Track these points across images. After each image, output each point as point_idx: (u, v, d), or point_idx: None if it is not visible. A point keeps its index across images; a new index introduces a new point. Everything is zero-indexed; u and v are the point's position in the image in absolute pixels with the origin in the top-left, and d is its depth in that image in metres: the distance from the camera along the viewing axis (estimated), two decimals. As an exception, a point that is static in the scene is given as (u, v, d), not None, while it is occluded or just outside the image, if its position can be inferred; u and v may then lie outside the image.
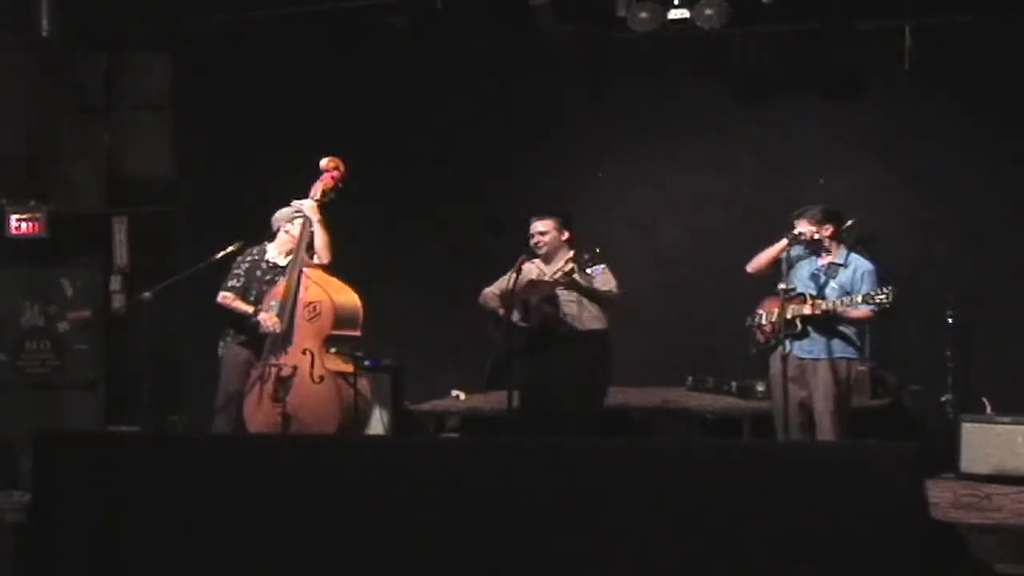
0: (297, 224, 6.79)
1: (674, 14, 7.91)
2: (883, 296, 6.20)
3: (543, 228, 6.73)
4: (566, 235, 6.76)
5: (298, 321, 6.57)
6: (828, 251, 6.52)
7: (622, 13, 7.98)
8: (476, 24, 8.51)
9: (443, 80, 8.84)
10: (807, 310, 6.34)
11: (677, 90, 8.69)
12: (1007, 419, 7.12)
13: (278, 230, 6.89)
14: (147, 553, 5.08)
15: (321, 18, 8.46)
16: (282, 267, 6.83)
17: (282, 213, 6.89)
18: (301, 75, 8.93)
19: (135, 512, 5.11)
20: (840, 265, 6.48)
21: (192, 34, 8.82)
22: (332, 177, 6.80)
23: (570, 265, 6.49)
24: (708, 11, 7.83)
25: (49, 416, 8.55)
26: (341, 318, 6.61)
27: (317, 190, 6.77)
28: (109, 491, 5.16)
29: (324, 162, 6.83)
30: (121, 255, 9.21)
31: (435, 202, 8.90)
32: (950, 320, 7.83)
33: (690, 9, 7.87)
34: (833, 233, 6.55)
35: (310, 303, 6.59)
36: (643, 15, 7.95)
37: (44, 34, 7.92)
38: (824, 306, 6.32)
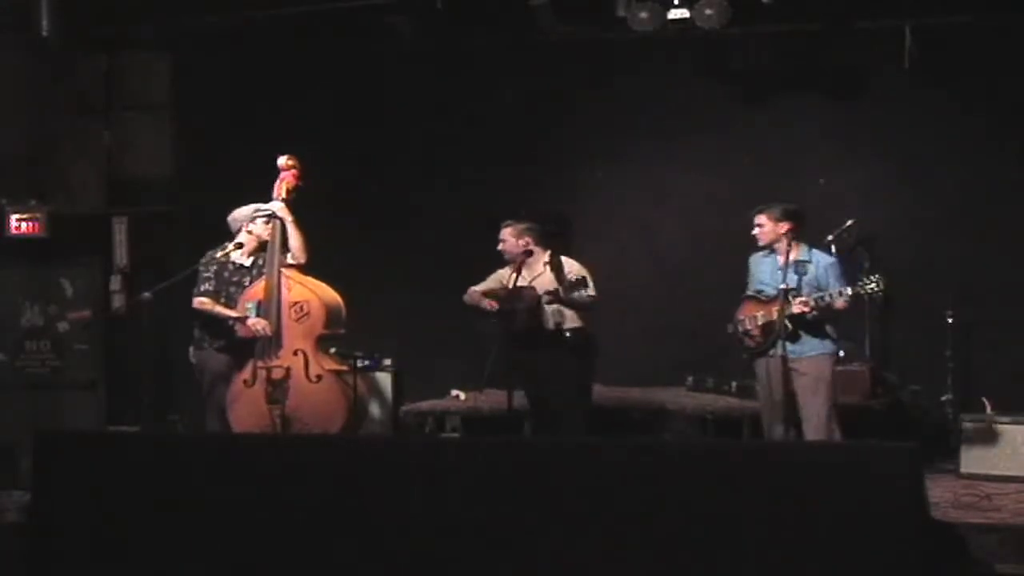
0: (259, 224, 6.80)
1: (674, 14, 7.90)
2: (872, 284, 6.24)
3: (502, 236, 6.94)
4: (524, 241, 6.85)
5: (284, 322, 6.57)
6: (784, 249, 6.53)
7: (622, 13, 7.97)
8: (476, 24, 8.51)
9: (443, 80, 8.84)
10: (796, 308, 6.35)
11: (677, 90, 8.69)
12: (1007, 419, 7.13)
13: (239, 230, 6.88)
14: (147, 553, 5.08)
15: (321, 18, 8.45)
16: (247, 267, 6.84)
17: (241, 213, 6.87)
18: (301, 75, 8.92)
19: (135, 512, 5.11)
20: (806, 262, 6.50)
21: (192, 34, 8.81)
22: (293, 175, 6.82)
23: (555, 286, 6.65)
24: (708, 11, 7.81)
25: (49, 416, 8.53)
26: (331, 317, 6.63)
27: (281, 189, 6.79)
28: (109, 491, 5.16)
29: (282, 161, 6.84)
30: (121, 255, 9.20)
31: (435, 202, 8.90)
32: (950, 320, 7.83)
33: (690, 9, 7.85)
34: (789, 230, 6.54)
35: (296, 303, 6.59)
36: (643, 15, 7.93)
37: (44, 34, 7.91)
38: (812, 303, 6.33)
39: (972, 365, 7.97)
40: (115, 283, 9.14)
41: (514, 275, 6.73)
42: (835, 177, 8.38)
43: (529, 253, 6.84)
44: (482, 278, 7.15)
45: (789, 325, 6.37)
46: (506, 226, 6.96)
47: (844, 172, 8.41)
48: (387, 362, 8.02)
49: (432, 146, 8.93)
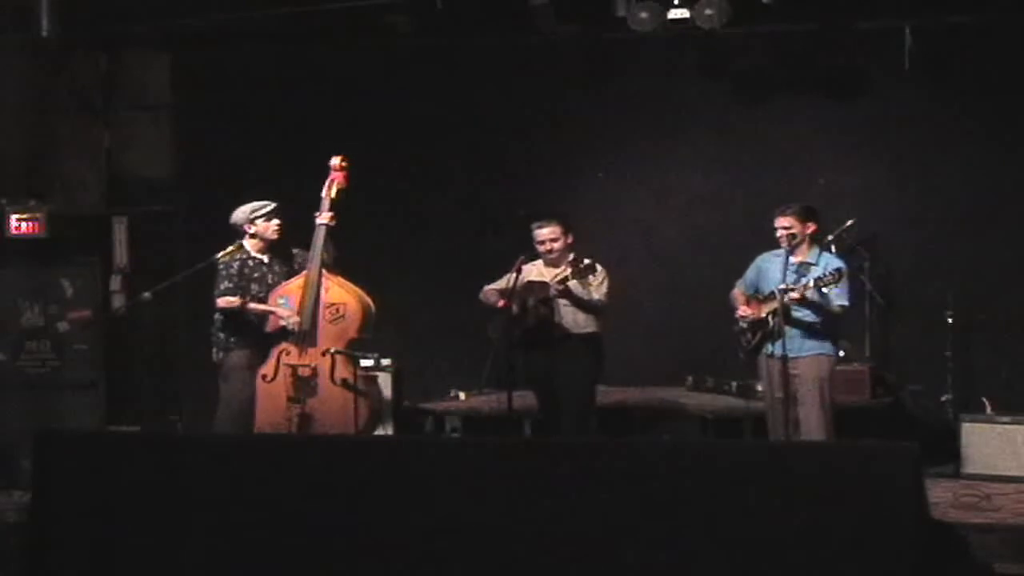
0: (259, 222, 6.76)
1: (674, 14, 7.90)
2: (830, 277, 6.18)
3: (553, 235, 6.70)
4: (570, 239, 6.76)
5: (320, 322, 6.55)
6: (802, 249, 6.52)
7: (622, 13, 7.97)
8: (476, 24, 8.51)
9: (443, 80, 8.84)
10: (776, 305, 6.33)
11: (677, 90, 8.70)
12: (1007, 419, 7.13)
13: (243, 232, 6.83)
14: (147, 553, 5.08)
15: (321, 18, 8.45)
16: (266, 263, 6.83)
17: (240, 215, 6.82)
18: (301, 75, 8.92)
19: (135, 512, 5.12)
20: (811, 264, 6.48)
21: (192, 34, 8.81)
22: (344, 176, 6.78)
23: (566, 273, 6.50)
24: (708, 11, 7.81)
25: (49, 416, 8.52)
26: (365, 322, 6.62)
27: (332, 190, 6.74)
28: (109, 491, 5.16)
29: (335, 161, 6.79)
30: (121, 255, 9.19)
31: (435, 202, 8.90)
32: (950, 320, 7.84)
33: (690, 9, 7.86)
34: (814, 231, 6.56)
35: (332, 304, 6.57)
36: (643, 15, 7.93)
37: (44, 34, 7.90)
38: (790, 295, 6.28)
39: (972, 365, 7.98)
40: (115, 283, 9.12)
41: (513, 275, 6.61)
42: (835, 177, 8.39)
43: (519, 264, 6.62)
44: (482, 277, 7.05)
45: (771, 322, 6.37)
46: (557, 223, 6.70)
47: (844, 172, 8.42)
48: (387, 362, 8.01)
49: (432, 146, 8.93)
